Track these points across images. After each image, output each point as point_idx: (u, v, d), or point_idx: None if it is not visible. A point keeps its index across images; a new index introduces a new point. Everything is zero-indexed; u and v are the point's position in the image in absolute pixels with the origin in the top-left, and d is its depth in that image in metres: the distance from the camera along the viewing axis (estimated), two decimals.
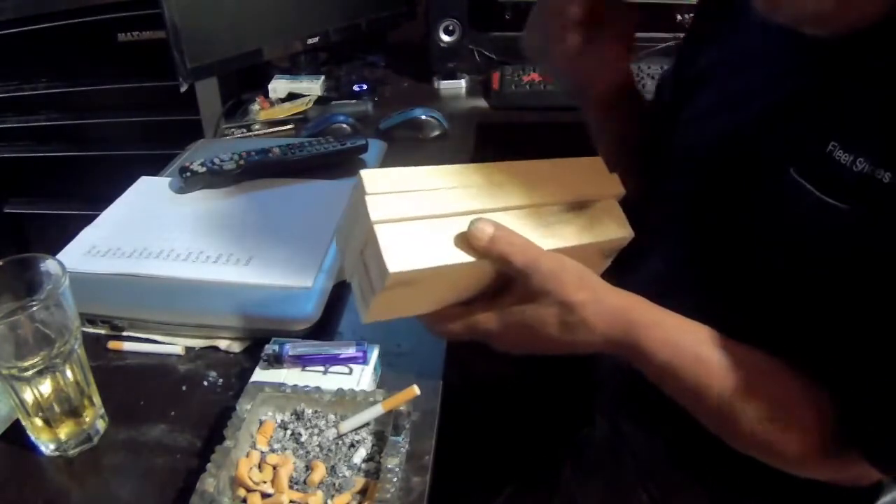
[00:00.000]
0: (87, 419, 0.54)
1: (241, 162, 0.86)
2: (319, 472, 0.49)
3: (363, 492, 0.48)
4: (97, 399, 0.56)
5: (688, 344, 0.51)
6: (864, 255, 0.45)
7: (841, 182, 0.46)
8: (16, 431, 0.55)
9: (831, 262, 0.47)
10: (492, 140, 1.15)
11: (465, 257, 0.48)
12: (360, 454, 0.50)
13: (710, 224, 0.59)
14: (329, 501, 0.47)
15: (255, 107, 1.21)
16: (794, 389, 0.49)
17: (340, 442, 0.51)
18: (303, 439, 0.51)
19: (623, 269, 0.61)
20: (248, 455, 0.50)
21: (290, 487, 0.48)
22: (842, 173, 0.45)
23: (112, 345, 0.64)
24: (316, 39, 1.26)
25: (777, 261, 0.51)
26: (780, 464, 0.52)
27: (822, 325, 0.48)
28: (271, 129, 1.15)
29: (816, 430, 0.48)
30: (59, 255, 0.73)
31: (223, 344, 0.64)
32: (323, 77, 1.29)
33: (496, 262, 0.50)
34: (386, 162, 0.96)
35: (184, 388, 0.60)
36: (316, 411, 0.53)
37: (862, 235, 0.45)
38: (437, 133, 1.09)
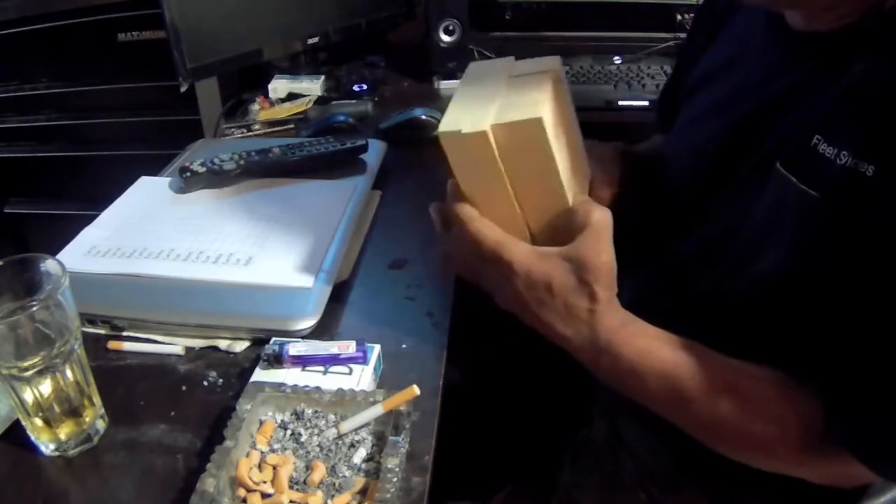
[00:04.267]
0: (87, 419, 0.54)
1: (241, 162, 0.86)
2: (319, 472, 0.49)
3: (363, 492, 0.48)
4: (97, 399, 0.56)
5: (665, 352, 0.51)
6: (849, 248, 0.45)
7: (825, 175, 0.46)
8: (16, 431, 0.54)
9: (820, 256, 0.47)
10: None
11: (549, 81, 0.56)
12: (360, 454, 0.50)
13: (704, 222, 0.59)
14: (329, 501, 0.47)
15: (255, 107, 1.21)
16: (773, 390, 0.49)
17: (340, 442, 0.51)
18: (303, 439, 0.51)
19: (623, 267, 0.61)
20: (248, 455, 0.50)
21: (290, 487, 0.48)
22: (826, 166, 0.46)
23: (112, 345, 0.64)
24: (316, 39, 1.26)
25: (771, 257, 0.51)
26: (766, 464, 0.52)
27: (809, 321, 0.48)
28: (271, 129, 1.15)
29: (796, 429, 0.48)
30: (59, 255, 0.73)
31: (223, 344, 0.64)
32: (323, 77, 1.29)
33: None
34: (386, 162, 0.96)
35: (184, 388, 0.60)
36: (316, 411, 0.53)
37: (845, 228, 0.45)
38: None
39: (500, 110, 0.52)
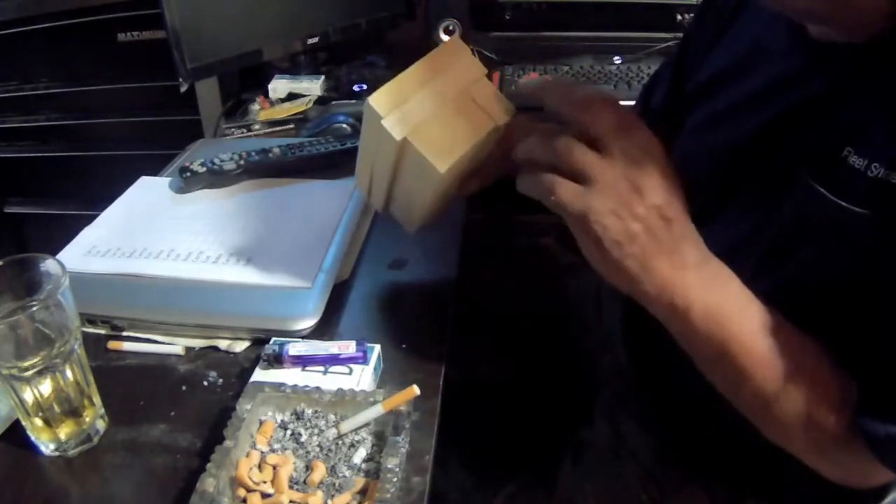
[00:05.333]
0: (87, 419, 0.54)
1: (241, 162, 0.86)
2: (319, 472, 0.49)
3: (363, 492, 0.48)
4: (97, 399, 0.56)
5: (736, 329, 0.48)
6: (878, 257, 0.45)
7: (856, 187, 0.46)
8: (16, 431, 0.54)
9: (849, 265, 0.47)
10: None
11: (487, 129, 0.56)
12: (360, 454, 0.50)
13: (722, 231, 0.59)
14: (329, 501, 0.47)
15: (255, 107, 1.21)
16: (831, 371, 0.48)
17: (340, 442, 0.51)
18: (303, 439, 0.51)
19: None
20: (248, 455, 0.50)
21: (290, 487, 0.48)
22: (857, 178, 0.46)
23: (112, 345, 0.64)
24: (316, 39, 1.26)
25: (794, 265, 0.51)
26: (790, 446, 0.50)
27: (830, 326, 0.48)
28: (271, 129, 1.15)
29: (833, 415, 0.47)
30: (59, 255, 0.73)
31: (223, 344, 0.64)
32: (323, 77, 1.29)
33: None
34: None
35: (184, 388, 0.60)
36: (316, 411, 0.53)
37: (878, 240, 0.45)
38: None
39: (425, 123, 0.53)
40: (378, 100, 0.53)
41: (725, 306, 0.48)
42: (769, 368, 0.48)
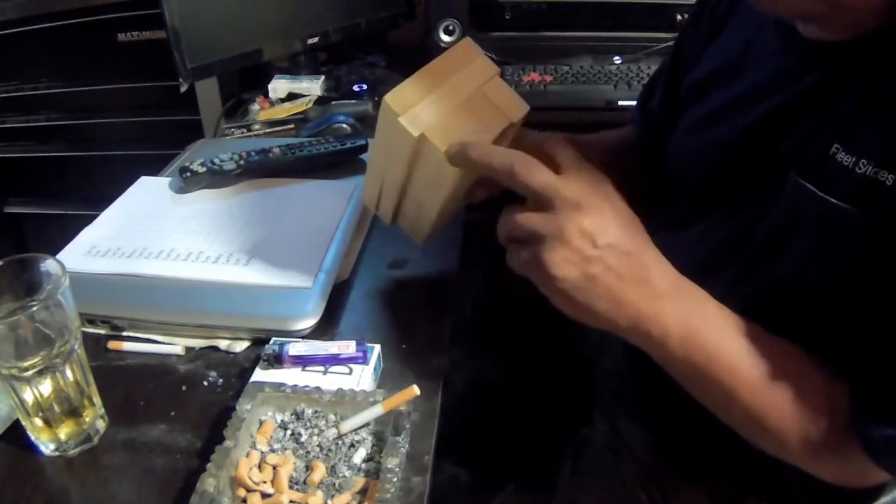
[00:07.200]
0: (87, 419, 0.54)
1: (241, 162, 0.86)
2: (319, 472, 0.49)
3: (363, 492, 0.48)
4: (97, 399, 0.56)
5: (716, 349, 0.48)
6: (868, 255, 0.45)
7: (843, 184, 0.46)
8: (16, 431, 0.54)
9: (836, 261, 0.47)
10: None
11: (502, 125, 0.56)
12: (360, 454, 0.50)
13: (715, 228, 0.59)
14: (329, 501, 0.47)
15: (255, 107, 1.21)
16: (818, 376, 0.48)
17: (340, 442, 0.51)
18: (303, 439, 0.51)
19: None
20: (248, 455, 0.50)
21: (290, 487, 0.48)
22: (844, 175, 0.46)
23: (112, 345, 0.64)
24: (316, 39, 1.26)
25: (785, 263, 0.51)
26: (787, 456, 0.51)
27: (820, 325, 0.48)
28: (271, 129, 1.15)
29: (824, 421, 0.47)
30: (59, 255, 0.72)
31: (223, 344, 0.64)
32: (323, 77, 1.29)
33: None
34: None
35: (184, 388, 0.60)
36: (316, 411, 0.53)
37: (865, 236, 0.45)
38: None
39: (442, 120, 0.54)
40: (394, 98, 0.53)
41: (702, 329, 0.48)
42: (754, 383, 0.48)
